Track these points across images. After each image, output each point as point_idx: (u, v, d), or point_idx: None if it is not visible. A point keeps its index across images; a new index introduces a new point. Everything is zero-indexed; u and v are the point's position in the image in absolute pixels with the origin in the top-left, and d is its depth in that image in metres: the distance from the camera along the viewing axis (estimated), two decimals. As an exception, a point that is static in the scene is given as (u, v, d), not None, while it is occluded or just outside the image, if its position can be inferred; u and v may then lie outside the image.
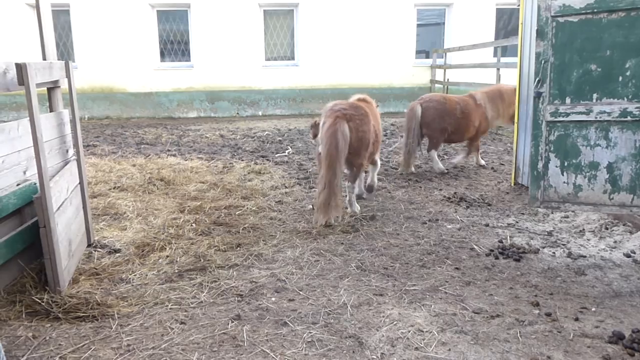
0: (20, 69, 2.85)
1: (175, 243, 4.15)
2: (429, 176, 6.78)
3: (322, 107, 15.74)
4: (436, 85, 14.64)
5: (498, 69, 10.53)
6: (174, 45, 14.79)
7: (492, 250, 4.05)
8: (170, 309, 3.08)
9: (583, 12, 3.89)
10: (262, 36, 14.75)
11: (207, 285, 3.41)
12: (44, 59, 3.83)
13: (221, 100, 14.77)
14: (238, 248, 4.11)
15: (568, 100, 4.07)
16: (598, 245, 4.20)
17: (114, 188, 5.84)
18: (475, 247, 4.15)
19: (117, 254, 3.93)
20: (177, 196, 5.57)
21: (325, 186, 4.46)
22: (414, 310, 3.06)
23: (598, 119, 3.98)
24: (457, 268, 3.72)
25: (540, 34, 4.10)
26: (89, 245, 4.09)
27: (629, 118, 3.90)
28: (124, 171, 6.67)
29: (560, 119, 4.05)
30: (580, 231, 4.53)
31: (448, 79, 13.67)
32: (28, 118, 3.33)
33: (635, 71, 3.90)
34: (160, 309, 3.07)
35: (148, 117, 14.53)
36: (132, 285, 3.41)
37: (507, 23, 15.41)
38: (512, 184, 6.18)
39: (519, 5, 6.13)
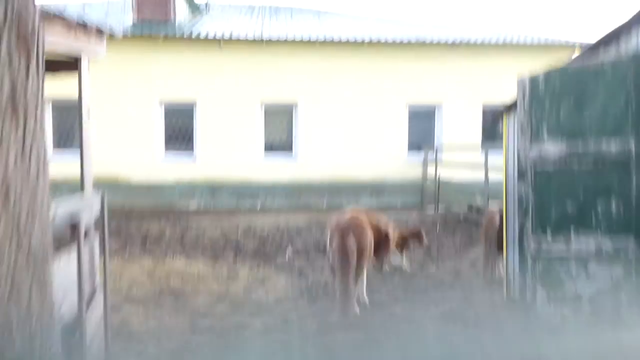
0: (75, 227, 3.27)
1: (190, 369, 4.38)
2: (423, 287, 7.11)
3: (318, 200, 15.97)
4: (427, 182, 15.36)
5: (487, 171, 11.24)
6: (178, 138, 15.59)
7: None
8: None
9: (557, 162, 4.47)
10: (262, 133, 15.64)
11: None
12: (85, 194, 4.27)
13: (222, 193, 15.33)
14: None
15: (549, 235, 4.54)
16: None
17: (126, 300, 6.11)
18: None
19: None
20: (187, 312, 5.82)
21: (343, 291, 5.49)
22: None
23: (576, 254, 4.43)
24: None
25: (521, 176, 4.67)
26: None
27: (603, 253, 4.35)
28: (134, 278, 6.97)
29: (544, 254, 4.50)
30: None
31: (439, 176, 14.36)
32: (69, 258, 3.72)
33: (605, 209, 4.42)
34: None
35: (150, 207, 14.93)
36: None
37: (496, 116, 16.45)
38: (505, 297, 6.50)
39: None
